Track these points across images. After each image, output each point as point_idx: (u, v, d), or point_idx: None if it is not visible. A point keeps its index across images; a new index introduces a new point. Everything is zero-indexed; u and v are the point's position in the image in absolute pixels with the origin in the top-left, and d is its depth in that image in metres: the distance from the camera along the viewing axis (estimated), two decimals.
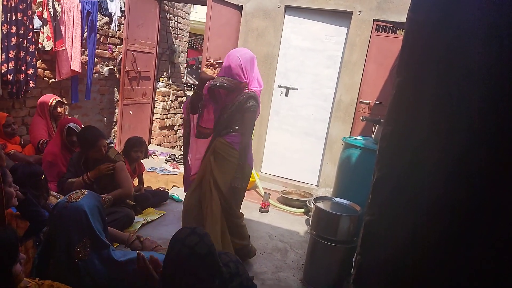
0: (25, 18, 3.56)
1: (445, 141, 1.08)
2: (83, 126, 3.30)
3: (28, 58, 3.66)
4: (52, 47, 3.87)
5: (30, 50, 3.67)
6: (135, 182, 3.62)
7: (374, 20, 4.28)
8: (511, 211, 1.01)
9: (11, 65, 3.47)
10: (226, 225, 2.60)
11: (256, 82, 2.60)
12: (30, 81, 3.71)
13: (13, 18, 3.44)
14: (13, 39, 3.46)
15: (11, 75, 3.48)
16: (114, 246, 2.34)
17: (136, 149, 3.46)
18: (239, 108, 2.53)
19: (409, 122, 1.17)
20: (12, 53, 3.47)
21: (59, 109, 3.68)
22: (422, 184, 1.15)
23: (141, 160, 3.65)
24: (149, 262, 1.74)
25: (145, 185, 3.80)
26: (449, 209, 1.10)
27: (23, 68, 3.61)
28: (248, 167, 2.65)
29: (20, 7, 3.50)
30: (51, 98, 3.68)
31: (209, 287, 1.56)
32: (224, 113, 2.59)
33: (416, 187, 1.17)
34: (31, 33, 3.66)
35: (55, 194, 2.79)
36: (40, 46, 3.82)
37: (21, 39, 3.55)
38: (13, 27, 3.45)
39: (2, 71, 3.42)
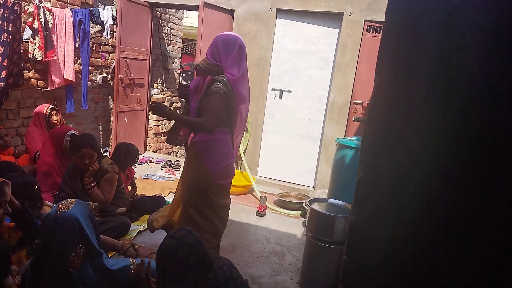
0: (14, 28, 3.55)
1: (423, 140, 1.09)
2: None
3: (15, 70, 3.65)
4: (42, 57, 3.87)
5: (14, 60, 3.65)
6: (128, 188, 3.62)
7: (365, 20, 4.30)
8: (490, 207, 1.02)
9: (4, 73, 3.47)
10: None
11: (232, 70, 2.25)
12: (10, 90, 3.71)
13: (4, 27, 3.43)
14: (0, 48, 3.45)
15: None
16: (110, 255, 2.34)
17: None
18: (205, 93, 2.26)
19: (388, 121, 1.18)
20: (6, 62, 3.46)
21: (54, 117, 3.68)
22: (403, 182, 1.16)
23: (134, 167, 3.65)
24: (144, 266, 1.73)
25: (141, 192, 3.79)
26: (431, 207, 1.11)
27: (9, 80, 3.61)
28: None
29: (11, 17, 3.50)
30: (45, 107, 3.68)
31: (203, 284, 1.56)
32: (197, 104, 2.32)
33: (398, 186, 1.17)
34: (17, 43, 3.65)
35: (50, 204, 2.78)
36: (30, 56, 3.81)
37: (8, 49, 3.54)
38: (4, 35, 3.45)
39: None
